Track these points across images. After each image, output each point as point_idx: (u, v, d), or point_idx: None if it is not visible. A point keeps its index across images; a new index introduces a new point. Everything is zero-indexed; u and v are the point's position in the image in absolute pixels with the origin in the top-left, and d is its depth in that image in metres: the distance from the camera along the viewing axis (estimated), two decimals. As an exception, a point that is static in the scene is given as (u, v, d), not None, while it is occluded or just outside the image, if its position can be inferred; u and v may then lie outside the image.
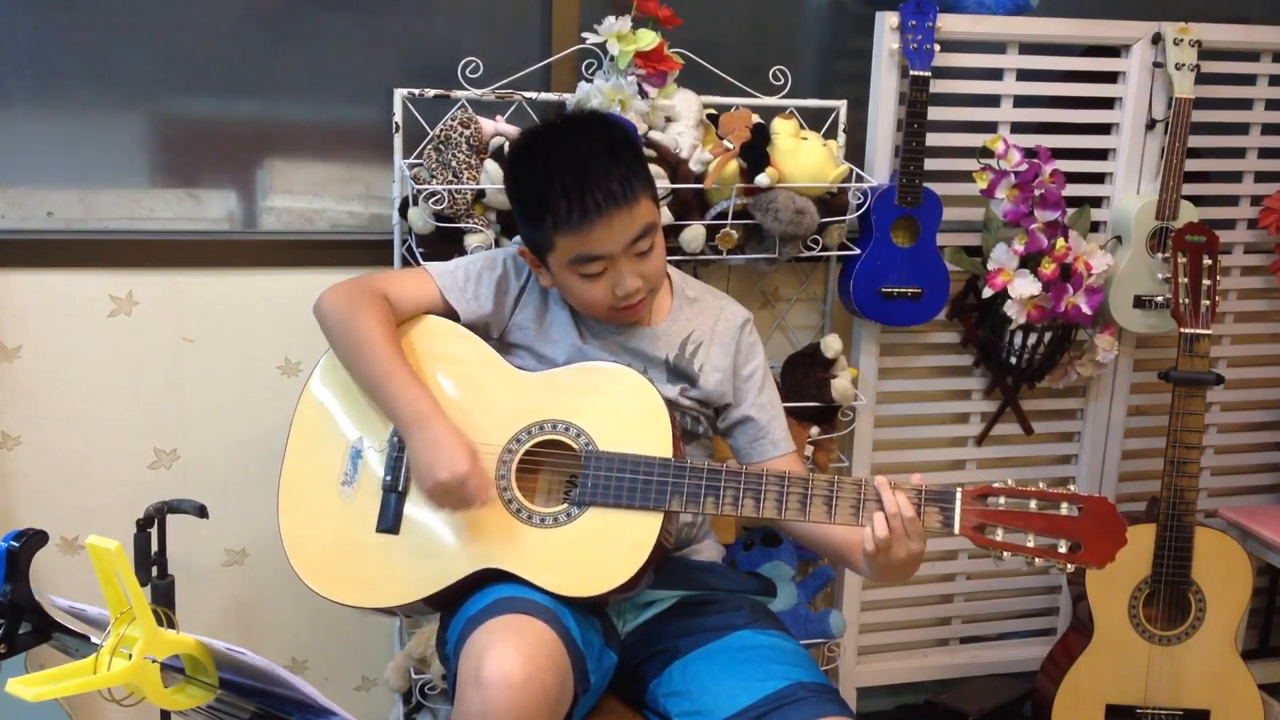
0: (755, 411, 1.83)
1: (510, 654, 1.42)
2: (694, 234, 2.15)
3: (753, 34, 2.45)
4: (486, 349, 1.74)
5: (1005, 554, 1.55)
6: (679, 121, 2.17)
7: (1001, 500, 1.56)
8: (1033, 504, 1.56)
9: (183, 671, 1.26)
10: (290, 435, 1.74)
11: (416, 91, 2.16)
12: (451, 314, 1.77)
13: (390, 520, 1.66)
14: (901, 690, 2.78)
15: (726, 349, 1.83)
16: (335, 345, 1.73)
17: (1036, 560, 1.55)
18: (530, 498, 1.65)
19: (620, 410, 1.65)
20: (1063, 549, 1.54)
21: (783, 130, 2.20)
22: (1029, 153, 2.32)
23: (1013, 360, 2.47)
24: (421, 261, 1.96)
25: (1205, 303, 2.29)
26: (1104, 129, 2.53)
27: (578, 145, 1.66)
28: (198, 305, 2.23)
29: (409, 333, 1.75)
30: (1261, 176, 2.64)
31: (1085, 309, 2.37)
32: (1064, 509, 1.55)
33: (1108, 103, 2.52)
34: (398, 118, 2.16)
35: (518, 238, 1.87)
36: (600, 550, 1.60)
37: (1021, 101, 2.46)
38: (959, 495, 1.57)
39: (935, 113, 2.32)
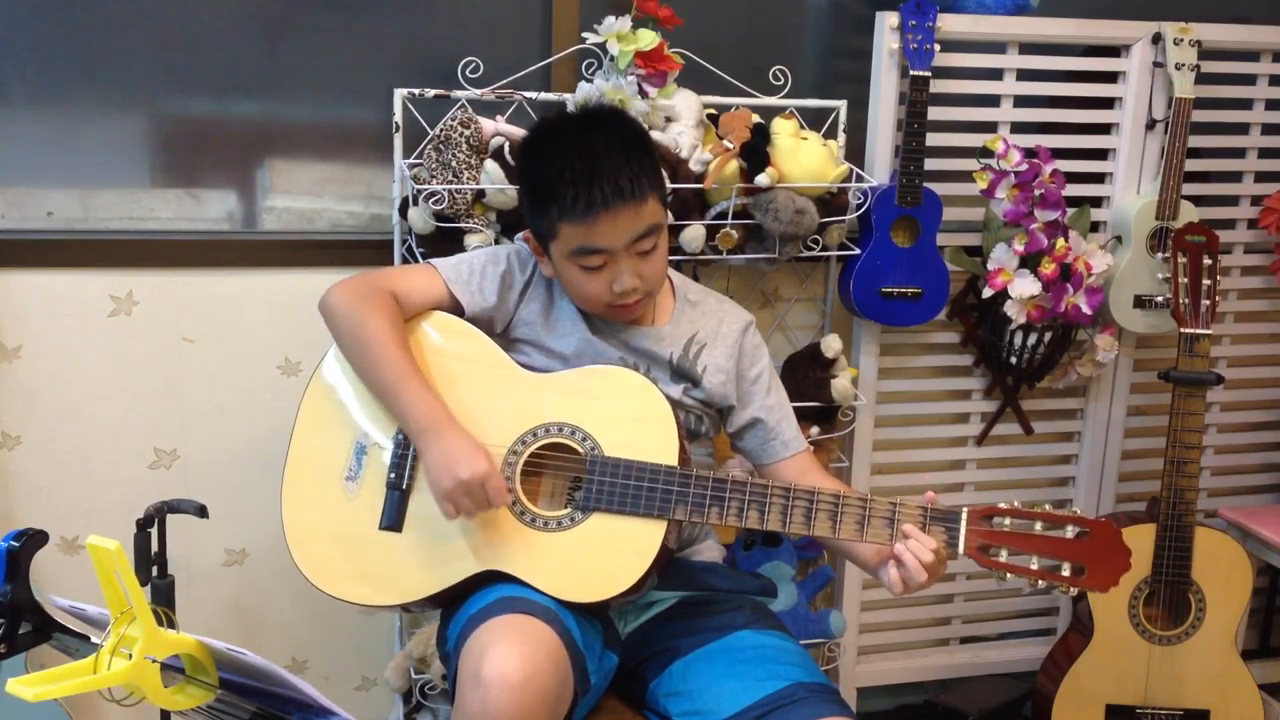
0: (764, 413, 1.83)
1: (510, 654, 1.42)
2: (694, 234, 2.15)
3: (753, 34, 2.45)
4: (494, 348, 1.73)
5: (1009, 575, 1.55)
6: (679, 121, 2.17)
7: (1006, 521, 1.56)
8: (1037, 525, 1.55)
9: (183, 671, 1.26)
10: (295, 428, 1.74)
11: (416, 91, 2.16)
12: (456, 308, 1.76)
13: (393, 518, 1.66)
14: (901, 690, 2.78)
15: (729, 352, 1.83)
16: (343, 345, 1.73)
17: (1040, 582, 1.54)
18: (534, 500, 1.65)
19: (626, 415, 1.65)
20: (1066, 572, 1.54)
21: (783, 130, 2.20)
22: (1029, 153, 2.32)
23: (1013, 360, 2.47)
24: (427, 260, 1.96)
25: (1205, 303, 2.29)
26: (1104, 129, 2.53)
27: (591, 138, 1.66)
28: (198, 305, 2.23)
29: (416, 329, 1.75)
30: (1261, 176, 2.64)
31: (1085, 309, 2.37)
32: (1069, 532, 1.55)
33: (1108, 103, 2.52)
34: (398, 118, 2.16)
35: (521, 232, 1.88)
36: (603, 556, 1.60)
37: (1021, 101, 2.47)
38: (964, 516, 1.57)
39: (935, 113, 2.32)
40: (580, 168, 1.62)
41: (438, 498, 1.60)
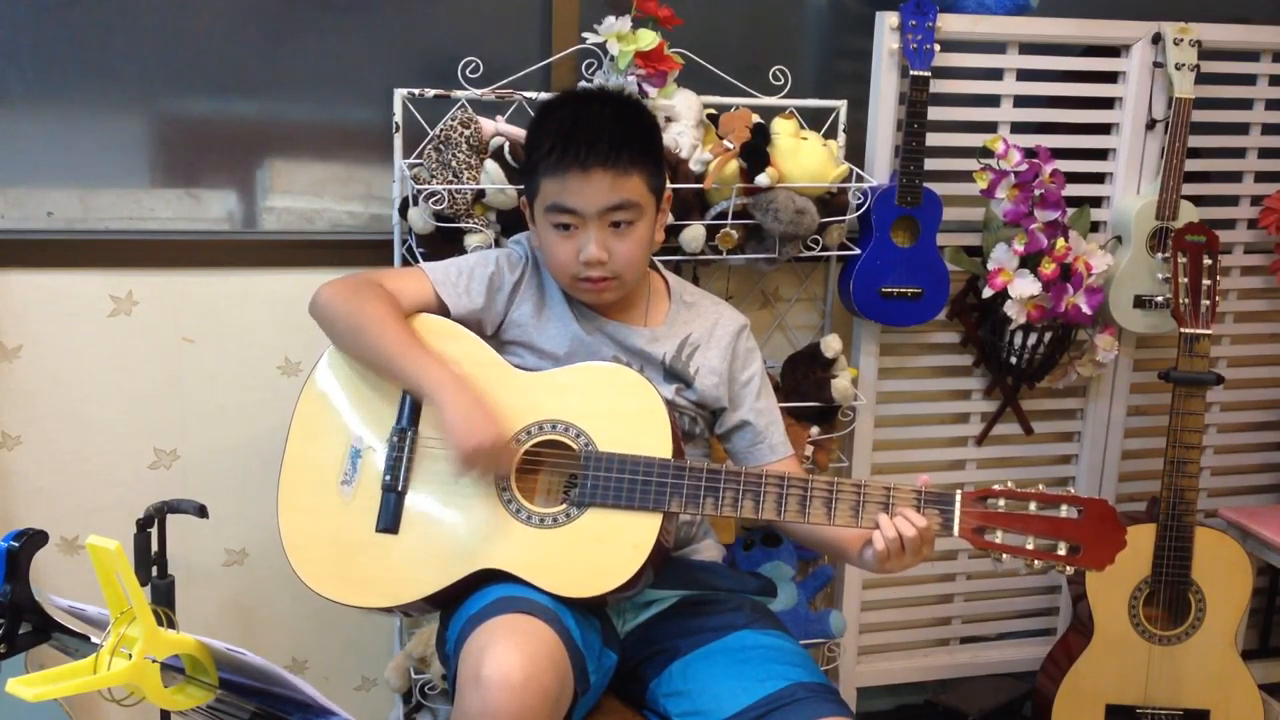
0: (753, 417, 1.84)
1: (510, 653, 1.42)
2: (694, 234, 2.15)
3: (753, 34, 2.45)
4: (485, 348, 1.73)
5: (1005, 556, 1.55)
6: (679, 121, 2.17)
7: (1001, 502, 1.56)
8: (1032, 506, 1.56)
9: (183, 671, 1.26)
10: (290, 433, 1.74)
11: (416, 91, 2.16)
12: (444, 310, 1.77)
13: (389, 520, 1.66)
14: (901, 690, 2.78)
15: (723, 353, 1.83)
16: (340, 334, 1.72)
17: (1035, 562, 1.55)
18: (529, 497, 1.65)
19: (620, 411, 1.65)
20: (1062, 551, 1.54)
21: (783, 130, 2.20)
22: (1029, 153, 2.32)
23: (1013, 360, 2.47)
24: (421, 262, 1.96)
25: (1205, 303, 2.29)
26: (1104, 129, 2.53)
27: (589, 107, 1.72)
28: (198, 305, 2.23)
29: None
30: (1261, 176, 2.64)
31: (1085, 309, 2.37)
32: (1063, 511, 1.55)
33: (1108, 103, 2.52)
34: (398, 118, 2.16)
35: (515, 236, 1.88)
36: (600, 551, 1.60)
37: (1021, 101, 2.47)
38: (959, 497, 1.57)
39: (935, 113, 2.32)
40: (569, 125, 1.68)
41: (457, 455, 1.58)
